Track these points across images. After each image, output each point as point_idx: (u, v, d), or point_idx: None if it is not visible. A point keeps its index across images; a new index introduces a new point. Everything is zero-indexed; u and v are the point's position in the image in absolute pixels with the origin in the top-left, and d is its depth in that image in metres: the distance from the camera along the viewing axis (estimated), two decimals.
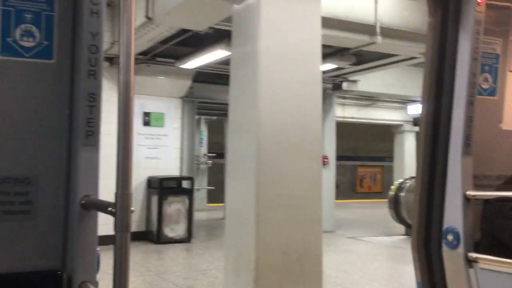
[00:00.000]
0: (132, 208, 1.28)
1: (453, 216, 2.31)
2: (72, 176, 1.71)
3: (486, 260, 2.20)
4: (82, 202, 1.67)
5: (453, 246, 2.30)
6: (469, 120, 2.33)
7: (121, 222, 1.27)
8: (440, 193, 2.39)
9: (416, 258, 2.47)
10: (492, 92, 2.55)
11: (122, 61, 1.31)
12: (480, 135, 2.45)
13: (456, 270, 2.31)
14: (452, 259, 2.32)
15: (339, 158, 12.72)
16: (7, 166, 1.68)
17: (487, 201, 2.28)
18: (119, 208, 1.27)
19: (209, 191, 15.11)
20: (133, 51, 1.31)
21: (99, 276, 1.74)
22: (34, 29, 1.72)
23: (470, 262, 2.26)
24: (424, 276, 2.45)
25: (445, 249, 2.34)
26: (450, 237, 2.31)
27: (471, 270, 2.25)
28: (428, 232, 2.45)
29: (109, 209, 1.35)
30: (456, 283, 2.30)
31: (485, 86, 2.52)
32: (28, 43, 1.71)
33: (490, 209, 2.24)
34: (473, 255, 2.24)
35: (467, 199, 2.27)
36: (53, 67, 1.73)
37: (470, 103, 2.33)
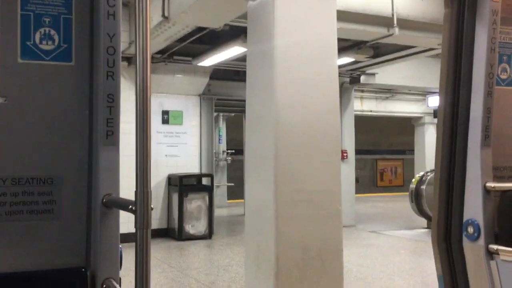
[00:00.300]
0: (151, 206, 1.31)
1: (473, 208, 2.30)
2: (94, 176, 1.75)
3: (507, 252, 2.18)
4: (104, 201, 1.70)
5: (474, 238, 2.28)
6: (487, 111, 2.31)
7: (142, 219, 1.30)
8: (459, 185, 2.38)
9: (437, 251, 2.46)
10: (510, 82, 2.52)
11: (138, 61, 1.33)
12: (500, 126, 2.43)
13: (477, 262, 2.29)
14: (473, 252, 2.31)
15: (358, 152, 12.67)
16: (31, 167, 1.73)
17: (504, 193, 2.26)
18: (139, 205, 1.30)
19: (229, 188, 15.18)
20: (150, 51, 1.34)
21: (122, 273, 1.77)
22: (53, 32, 1.76)
23: (491, 254, 2.24)
24: (444, 269, 2.44)
25: (465, 241, 2.33)
26: (470, 230, 2.29)
27: (492, 262, 2.23)
28: (448, 225, 2.43)
29: (130, 207, 1.38)
30: (477, 276, 2.29)
31: (503, 76, 2.49)
32: (47, 46, 1.75)
33: (507, 201, 2.22)
34: (494, 247, 2.22)
35: (487, 191, 2.26)
36: (72, 69, 1.77)
37: (489, 94, 2.31)
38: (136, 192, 1.31)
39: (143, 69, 1.32)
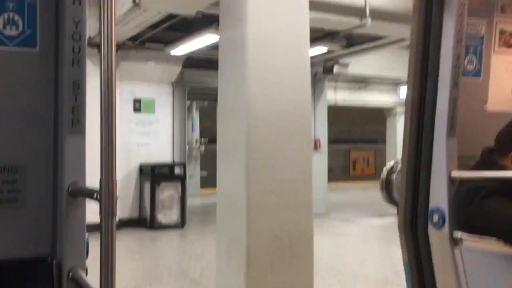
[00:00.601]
0: (117, 195, 1.30)
1: (439, 196, 2.34)
2: (59, 164, 1.73)
3: (471, 240, 2.24)
4: (70, 189, 1.68)
5: (439, 226, 2.33)
6: (454, 102, 2.35)
7: (106, 208, 1.29)
8: (425, 174, 2.42)
9: (403, 238, 2.51)
10: (477, 73, 2.57)
11: (103, 48, 1.31)
12: (465, 116, 2.48)
13: (442, 249, 2.34)
14: (438, 239, 2.36)
15: (332, 141, 12.78)
16: None
17: (460, 184, 2.30)
18: (104, 194, 1.29)
19: (202, 177, 15.13)
20: (115, 38, 1.32)
21: (88, 262, 1.76)
22: (17, 17, 1.72)
23: (455, 242, 2.29)
24: (411, 256, 2.49)
25: (431, 229, 2.38)
26: (435, 217, 2.34)
27: (457, 249, 2.29)
28: (414, 213, 2.48)
29: (95, 195, 1.37)
30: (442, 263, 2.34)
31: (470, 67, 2.54)
32: (11, 32, 1.71)
33: (459, 193, 2.27)
34: (458, 234, 2.28)
35: (451, 180, 2.30)
36: (37, 55, 1.73)
37: (455, 85, 2.35)
38: (101, 181, 1.30)
39: (107, 54, 1.30)
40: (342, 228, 9.35)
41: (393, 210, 10.68)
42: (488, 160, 2.37)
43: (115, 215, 1.30)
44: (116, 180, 1.30)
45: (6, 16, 1.70)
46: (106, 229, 1.29)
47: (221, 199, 4.31)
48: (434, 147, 2.38)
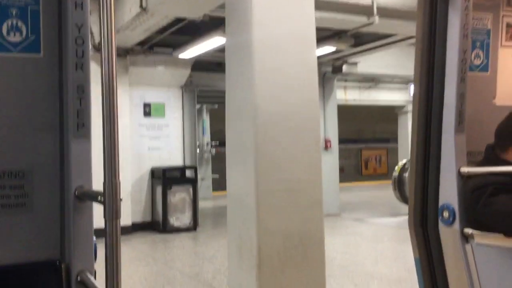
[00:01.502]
0: (120, 197, 1.30)
1: (448, 193, 2.32)
2: (65, 168, 1.74)
3: (482, 236, 2.21)
4: (76, 193, 1.69)
5: (449, 222, 2.31)
6: (461, 97, 2.33)
7: (110, 210, 1.29)
8: (434, 171, 2.40)
9: (413, 235, 2.49)
10: (484, 68, 2.55)
11: (104, 52, 1.32)
12: (474, 111, 2.46)
13: (452, 246, 2.32)
14: (448, 236, 2.34)
15: (343, 141, 12.72)
16: (2, 161, 1.71)
17: (468, 179, 2.28)
18: (108, 196, 1.29)
19: (214, 179, 15.15)
20: (115, 41, 1.32)
21: (96, 265, 1.77)
22: (20, 23, 1.73)
23: (466, 238, 2.27)
24: (421, 253, 2.47)
25: (441, 226, 2.35)
26: (445, 214, 2.32)
27: (468, 246, 2.26)
28: (424, 210, 2.46)
29: (99, 198, 1.37)
30: (453, 259, 2.32)
31: (477, 62, 2.52)
32: (15, 38, 1.72)
33: (466, 188, 2.25)
34: (469, 230, 2.25)
35: (461, 176, 2.28)
36: (41, 60, 1.75)
37: (462, 80, 2.32)
38: (104, 183, 1.30)
39: (108, 58, 1.30)
40: (354, 228, 9.30)
41: (406, 209, 10.60)
42: (491, 156, 2.35)
43: (119, 217, 1.30)
44: (119, 182, 1.30)
45: (9, 23, 1.71)
46: (111, 231, 1.29)
47: (231, 200, 4.31)
48: (442, 143, 2.36)
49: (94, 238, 1.76)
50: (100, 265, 1.81)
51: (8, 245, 1.72)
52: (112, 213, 1.29)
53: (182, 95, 9.71)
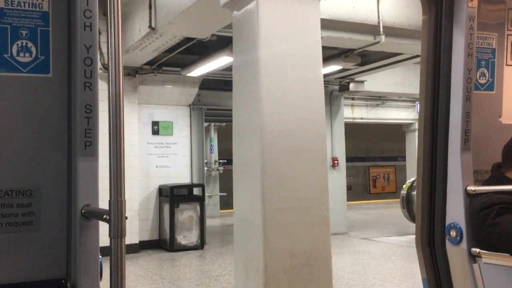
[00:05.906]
0: (126, 215, 1.31)
1: (455, 212, 2.31)
2: (73, 187, 1.75)
3: (489, 255, 2.20)
4: (83, 211, 1.70)
5: (456, 242, 2.30)
6: (467, 116, 2.34)
7: (116, 228, 1.30)
8: (441, 189, 2.40)
9: (421, 255, 2.48)
10: (489, 87, 2.55)
11: (111, 73, 1.34)
12: (480, 130, 2.46)
13: (460, 265, 2.31)
14: (456, 255, 2.32)
15: (350, 159, 12.69)
16: (10, 179, 1.73)
17: (474, 197, 2.27)
18: (113, 215, 1.30)
19: (222, 198, 15.13)
20: (121, 62, 1.35)
21: (102, 284, 1.77)
22: (30, 44, 1.77)
23: (473, 257, 2.26)
24: (429, 272, 2.46)
25: (448, 245, 2.34)
26: (453, 233, 2.31)
27: (475, 265, 2.25)
28: (431, 229, 2.45)
29: (104, 216, 1.38)
30: (461, 279, 2.30)
31: (482, 81, 2.52)
32: (24, 58, 1.75)
33: (472, 205, 2.24)
34: (477, 250, 2.24)
35: (468, 194, 2.28)
36: (50, 81, 1.78)
37: (467, 98, 2.33)
38: (110, 202, 1.31)
39: (115, 75, 1.33)
40: (362, 247, 9.22)
41: (414, 227, 10.49)
42: (497, 175, 2.34)
43: (124, 235, 1.31)
44: (125, 200, 1.32)
45: (19, 43, 1.75)
46: (116, 249, 1.30)
47: (237, 218, 4.31)
48: (449, 161, 2.36)
49: (100, 256, 1.77)
50: (105, 283, 1.81)
51: (14, 263, 1.73)
52: (117, 231, 1.30)
53: (190, 114, 9.77)
